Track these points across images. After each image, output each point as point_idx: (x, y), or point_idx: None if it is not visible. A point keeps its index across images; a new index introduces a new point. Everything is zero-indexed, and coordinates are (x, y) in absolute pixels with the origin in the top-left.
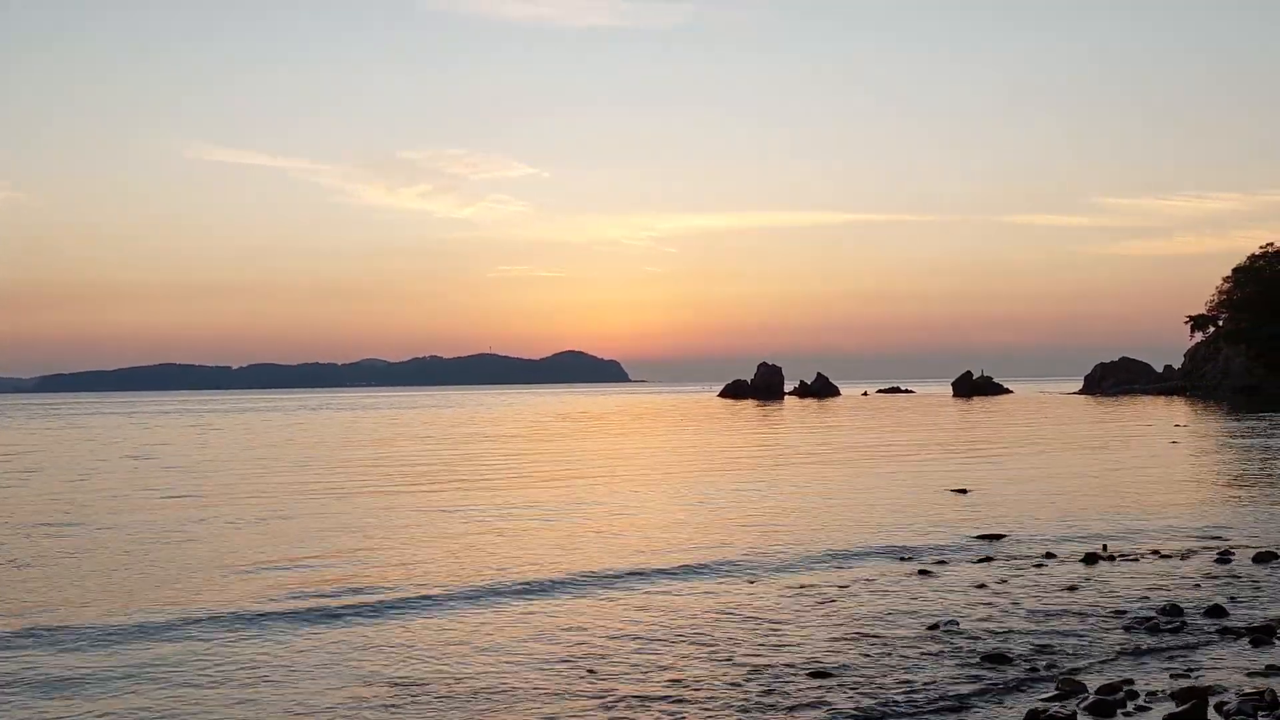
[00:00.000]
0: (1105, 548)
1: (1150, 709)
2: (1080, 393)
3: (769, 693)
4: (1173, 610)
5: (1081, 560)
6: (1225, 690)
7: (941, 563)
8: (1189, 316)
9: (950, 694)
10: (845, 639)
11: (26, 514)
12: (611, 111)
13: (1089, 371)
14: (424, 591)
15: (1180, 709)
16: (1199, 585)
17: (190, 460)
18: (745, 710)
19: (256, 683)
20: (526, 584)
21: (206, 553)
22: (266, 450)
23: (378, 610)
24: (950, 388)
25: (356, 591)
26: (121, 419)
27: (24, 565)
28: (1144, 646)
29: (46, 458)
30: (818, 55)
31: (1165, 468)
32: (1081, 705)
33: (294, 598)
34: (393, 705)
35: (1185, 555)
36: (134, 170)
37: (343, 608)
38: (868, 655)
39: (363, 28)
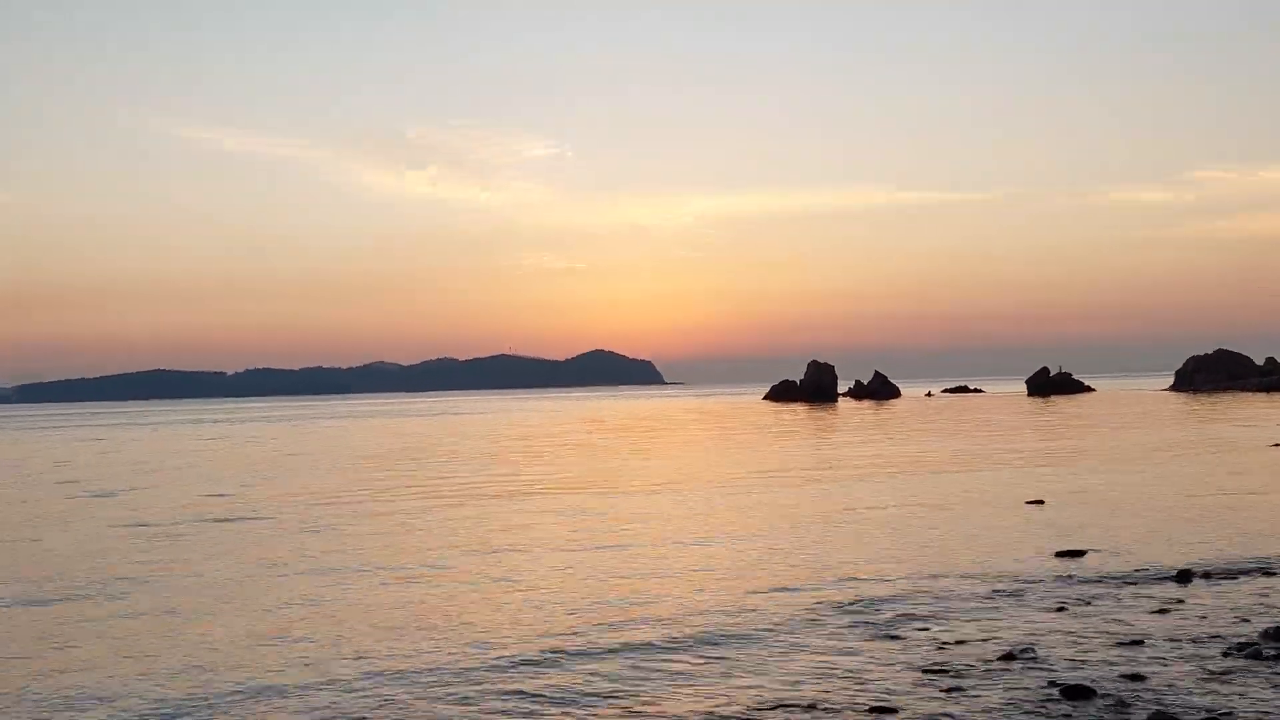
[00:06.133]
0: (1200, 565)
1: None
2: (1171, 390)
3: None
4: (1278, 634)
5: (1173, 579)
6: None
7: (1017, 583)
8: None
9: None
10: (911, 670)
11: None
12: (642, 81)
13: (1180, 366)
14: None
15: None
16: None
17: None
18: None
19: None
20: None
21: None
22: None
23: None
24: (1025, 386)
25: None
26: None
27: None
28: (1246, 675)
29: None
30: (871, 14)
31: (1267, 475)
32: None
33: None
34: None
35: None
36: (114, 158)
37: None
38: (935, 689)
39: None
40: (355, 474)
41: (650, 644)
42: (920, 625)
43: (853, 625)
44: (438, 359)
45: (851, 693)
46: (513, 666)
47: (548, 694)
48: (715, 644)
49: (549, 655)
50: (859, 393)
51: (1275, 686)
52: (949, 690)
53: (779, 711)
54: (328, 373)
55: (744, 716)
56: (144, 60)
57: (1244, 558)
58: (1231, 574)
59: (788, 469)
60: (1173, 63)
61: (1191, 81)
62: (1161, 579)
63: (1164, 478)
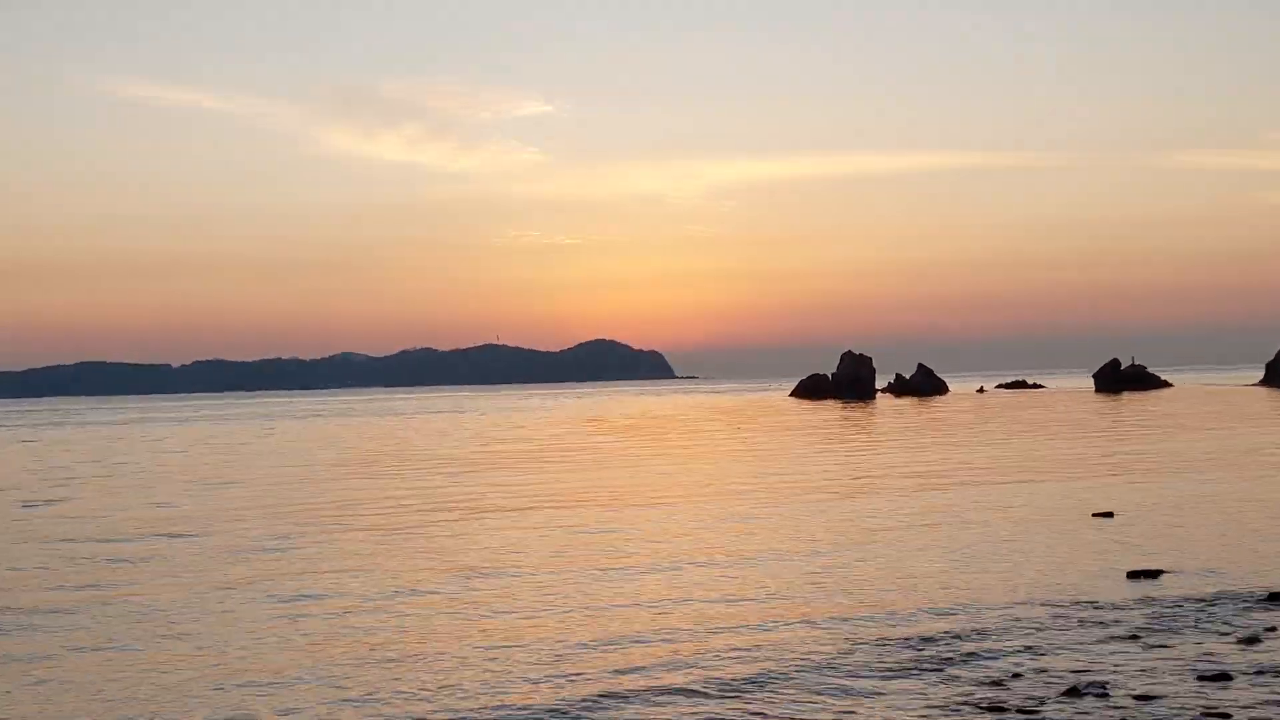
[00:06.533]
0: None
1: None
2: (1261, 385)
3: None
4: None
5: (1262, 603)
6: None
7: (1083, 607)
8: None
9: None
10: (963, 709)
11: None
12: (648, 30)
13: (1271, 358)
14: None
15: None
16: None
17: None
18: None
19: None
20: None
21: None
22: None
23: None
24: (1092, 380)
25: None
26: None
27: None
28: None
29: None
30: None
31: None
32: None
33: None
34: None
35: None
36: (43, 116)
37: None
38: None
39: None
40: (320, 483)
41: (665, 687)
42: (973, 657)
43: (897, 659)
44: (415, 349)
45: None
46: (504, 719)
47: None
48: (740, 684)
49: (547, 705)
50: (900, 388)
51: None
52: None
53: None
54: (288, 364)
55: None
56: (86, 5)
57: None
58: None
59: (819, 478)
60: (1251, 10)
61: (1273, 32)
62: (1249, 604)
63: (1252, 487)
